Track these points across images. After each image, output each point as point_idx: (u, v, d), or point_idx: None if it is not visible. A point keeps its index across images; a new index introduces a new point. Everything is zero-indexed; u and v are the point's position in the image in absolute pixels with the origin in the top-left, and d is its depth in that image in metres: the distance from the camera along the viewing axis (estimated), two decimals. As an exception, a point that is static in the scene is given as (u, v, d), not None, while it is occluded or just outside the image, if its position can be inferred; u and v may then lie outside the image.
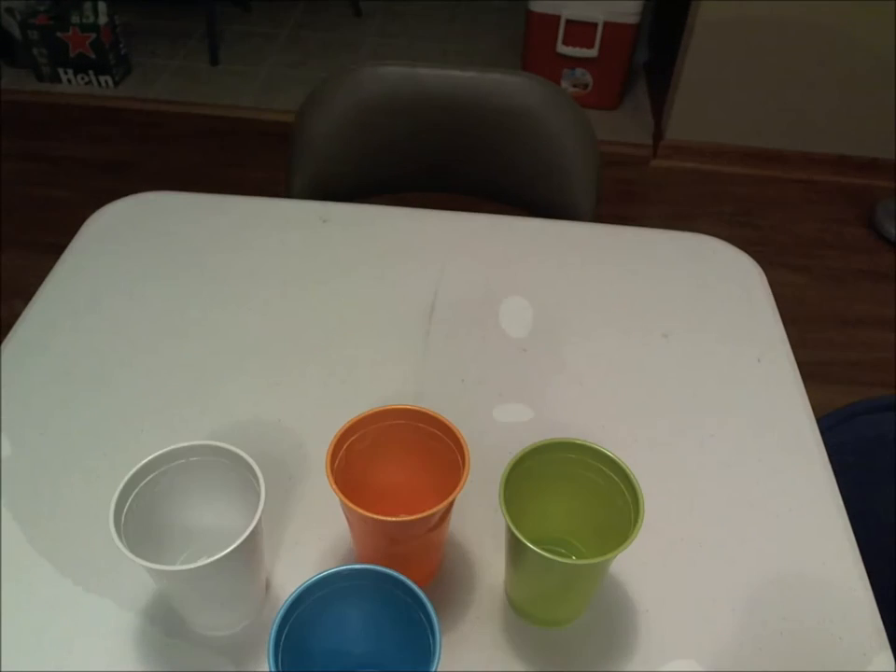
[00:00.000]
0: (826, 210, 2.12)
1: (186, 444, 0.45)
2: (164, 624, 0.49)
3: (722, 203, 2.12)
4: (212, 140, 2.22)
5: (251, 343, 0.68)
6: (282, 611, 0.39)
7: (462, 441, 0.46)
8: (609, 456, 0.47)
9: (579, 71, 2.32)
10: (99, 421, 0.60)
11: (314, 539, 0.54)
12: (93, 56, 2.29)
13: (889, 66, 1.99)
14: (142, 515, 0.44)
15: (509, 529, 0.44)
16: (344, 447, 0.47)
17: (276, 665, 0.38)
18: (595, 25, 2.18)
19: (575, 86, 2.36)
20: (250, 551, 0.44)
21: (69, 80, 2.35)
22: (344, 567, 0.41)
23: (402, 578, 0.41)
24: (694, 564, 0.54)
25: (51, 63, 2.32)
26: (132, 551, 0.40)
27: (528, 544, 0.42)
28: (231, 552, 0.41)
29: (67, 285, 0.72)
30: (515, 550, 0.46)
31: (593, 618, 0.51)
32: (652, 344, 0.70)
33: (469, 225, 0.82)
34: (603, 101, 2.37)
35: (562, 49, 2.26)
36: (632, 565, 0.54)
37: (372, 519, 0.43)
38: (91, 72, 2.33)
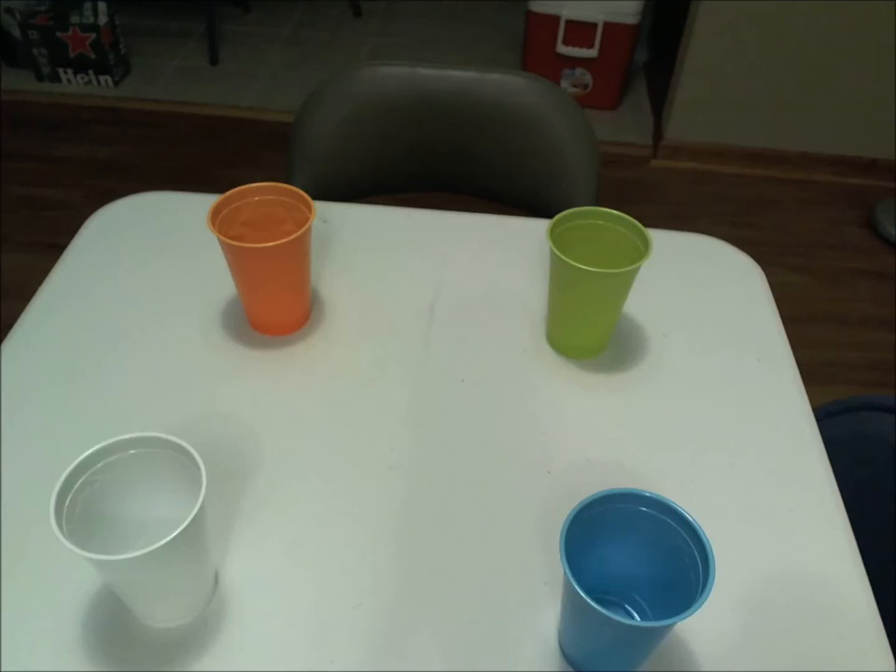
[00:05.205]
0: (826, 210, 2.12)
1: (127, 437, 0.45)
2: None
3: (722, 203, 2.12)
4: (212, 140, 2.22)
5: (250, 343, 0.68)
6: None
7: (307, 200, 0.63)
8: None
9: (578, 71, 2.32)
10: (99, 421, 0.60)
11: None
12: (93, 56, 2.29)
13: (890, 67, 1.99)
14: (88, 509, 0.44)
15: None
16: (220, 216, 0.62)
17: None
18: (594, 25, 2.18)
19: (575, 86, 2.36)
20: (193, 539, 0.44)
21: (69, 80, 2.35)
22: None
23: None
24: (694, 564, 0.54)
25: (51, 63, 2.32)
26: (80, 546, 0.40)
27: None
28: (173, 540, 0.41)
29: (67, 285, 0.72)
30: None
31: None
32: (652, 344, 0.70)
33: (469, 225, 0.82)
34: (603, 101, 2.37)
35: (562, 49, 2.26)
36: (632, 565, 0.53)
37: (240, 248, 0.59)
38: (90, 72, 2.33)
